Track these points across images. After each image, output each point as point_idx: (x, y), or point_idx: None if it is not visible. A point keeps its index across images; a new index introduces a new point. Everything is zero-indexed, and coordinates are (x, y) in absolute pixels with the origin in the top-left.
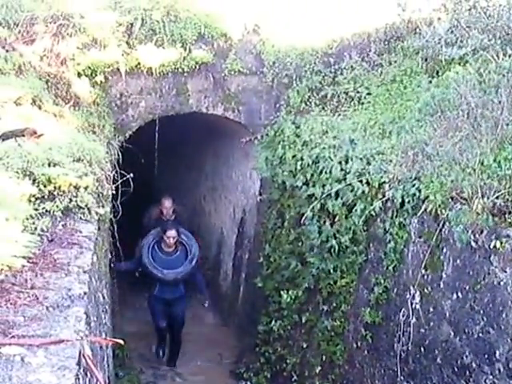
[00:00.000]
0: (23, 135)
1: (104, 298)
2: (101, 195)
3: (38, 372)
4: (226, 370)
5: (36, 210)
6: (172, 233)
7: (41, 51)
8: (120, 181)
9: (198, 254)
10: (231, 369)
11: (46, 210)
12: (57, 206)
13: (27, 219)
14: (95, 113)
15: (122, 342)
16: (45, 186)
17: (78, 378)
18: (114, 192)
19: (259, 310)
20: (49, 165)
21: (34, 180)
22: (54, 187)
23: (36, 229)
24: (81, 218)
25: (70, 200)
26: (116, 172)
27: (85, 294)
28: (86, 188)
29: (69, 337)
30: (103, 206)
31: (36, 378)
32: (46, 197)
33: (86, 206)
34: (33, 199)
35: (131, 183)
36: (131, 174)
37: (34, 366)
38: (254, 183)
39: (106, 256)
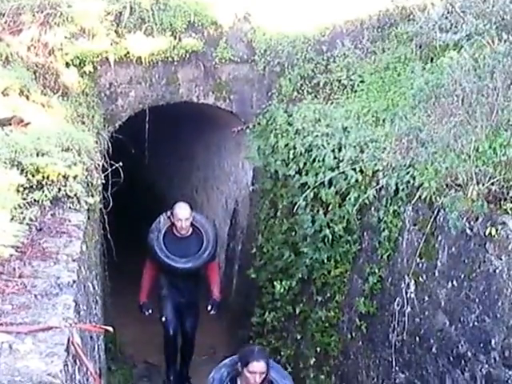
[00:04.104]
0: (10, 124)
1: (94, 288)
2: (90, 185)
3: (26, 359)
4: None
5: (24, 199)
6: (260, 365)
7: (28, 41)
8: (109, 170)
9: None
10: None
11: (35, 200)
12: (45, 196)
13: (15, 209)
14: (84, 103)
15: (111, 329)
16: (33, 176)
17: (67, 365)
18: (104, 182)
19: (253, 302)
20: (37, 154)
21: (22, 170)
22: (43, 177)
23: (24, 218)
24: (70, 208)
25: (59, 189)
26: (106, 162)
27: (74, 282)
28: (74, 177)
29: (57, 324)
30: (92, 196)
31: (24, 364)
32: (34, 186)
33: (75, 195)
34: (21, 189)
35: (121, 174)
36: (120, 163)
37: (21, 353)
38: (246, 173)
39: (96, 247)
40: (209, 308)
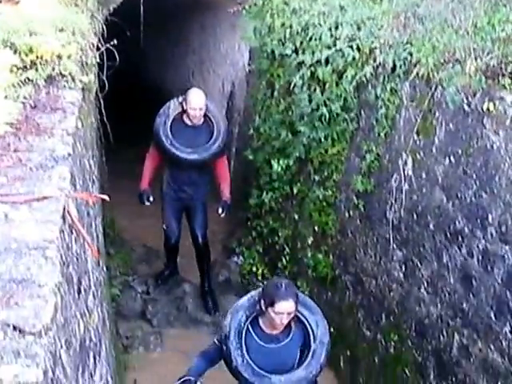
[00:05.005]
0: (0, 1)
1: (91, 167)
2: (85, 64)
3: (22, 227)
4: (218, 246)
5: (18, 78)
6: (289, 304)
7: None
8: (103, 49)
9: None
10: (223, 244)
11: (29, 79)
12: (39, 75)
13: (9, 88)
14: None
15: (107, 197)
16: (26, 56)
17: (63, 233)
18: (100, 64)
19: (250, 184)
20: (30, 35)
21: (15, 50)
22: (36, 56)
23: (18, 96)
24: (64, 86)
25: (53, 68)
26: (101, 44)
27: (69, 155)
28: (68, 56)
29: (53, 194)
30: (87, 75)
31: (20, 233)
32: (28, 66)
33: (70, 73)
34: (14, 69)
35: (116, 56)
36: (114, 41)
37: (17, 222)
38: (242, 55)
39: (92, 127)
40: (219, 211)
